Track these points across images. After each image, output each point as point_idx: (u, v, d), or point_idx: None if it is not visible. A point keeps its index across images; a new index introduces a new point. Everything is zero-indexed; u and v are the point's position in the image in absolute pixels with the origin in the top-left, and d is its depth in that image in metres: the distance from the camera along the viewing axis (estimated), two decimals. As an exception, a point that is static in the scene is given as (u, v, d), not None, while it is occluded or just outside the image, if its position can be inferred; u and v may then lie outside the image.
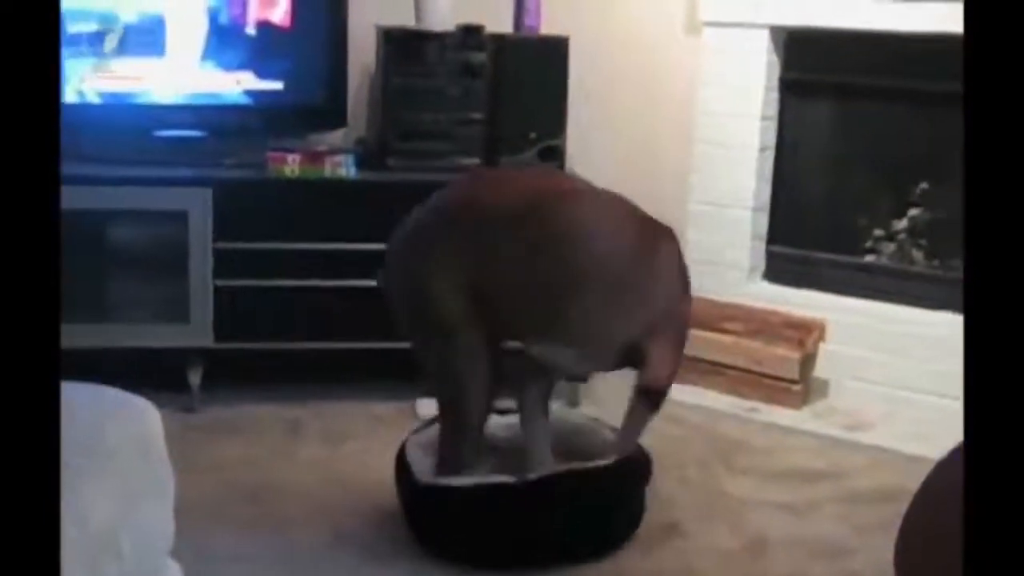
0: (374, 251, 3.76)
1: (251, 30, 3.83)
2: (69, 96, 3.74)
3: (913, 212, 4.12)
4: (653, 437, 3.67)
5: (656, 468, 3.43)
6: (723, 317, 4.12)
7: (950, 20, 3.45)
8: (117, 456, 1.92)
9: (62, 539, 1.62)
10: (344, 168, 3.81)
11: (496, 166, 3.96)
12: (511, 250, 2.79)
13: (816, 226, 4.32)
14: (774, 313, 4.08)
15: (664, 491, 3.32)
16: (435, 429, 3.03)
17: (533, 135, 3.98)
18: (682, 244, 4.24)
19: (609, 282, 2.77)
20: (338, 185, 3.82)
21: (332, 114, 3.97)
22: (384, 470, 3.13)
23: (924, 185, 4.08)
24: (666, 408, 3.89)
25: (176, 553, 2.20)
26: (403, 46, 3.89)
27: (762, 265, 4.32)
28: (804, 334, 4.00)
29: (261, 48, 3.85)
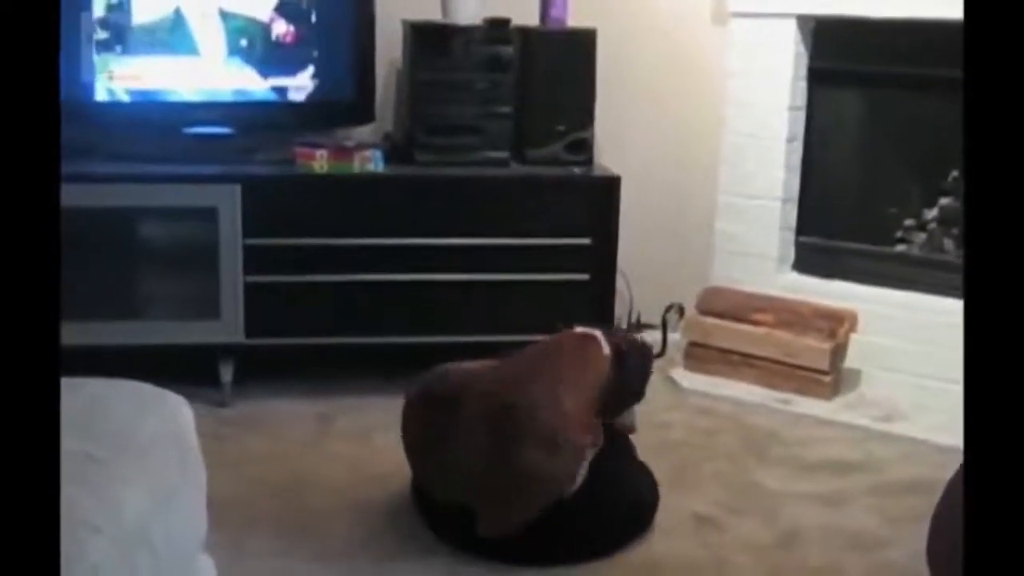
0: (403, 246, 3.79)
1: (278, 26, 3.84)
2: (99, 95, 3.76)
3: (944, 201, 4.09)
4: (685, 429, 3.68)
5: (688, 460, 3.44)
6: (753, 308, 4.10)
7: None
8: (150, 451, 1.94)
9: (96, 534, 1.64)
10: (372, 163, 3.82)
11: (524, 160, 3.96)
12: None
13: (846, 216, 4.29)
14: (805, 304, 4.06)
15: (696, 483, 3.32)
16: None
17: (561, 128, 3.98)
18: (710, 235, 4.28)
19: None
20: (366, 180, 3.82)
21: (360, 109, 3.97)
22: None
23: (955, 174, 4.05)
24: (697, 400, 3.93)
25: (209, 547, 2.21)
26: (430, 40, 3.89)
27: (791, 256, 4.30)
28: (835, 325, 3.98)
29: (288, 44, 3.86)
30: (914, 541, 2.73)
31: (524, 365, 2.97)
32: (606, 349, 2.93)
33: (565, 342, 2.99)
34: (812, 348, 3.96)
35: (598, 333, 2.98)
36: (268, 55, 3.86)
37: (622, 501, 2.97)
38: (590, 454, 2.86)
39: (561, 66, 3.99)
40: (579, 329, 3.01)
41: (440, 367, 3.10)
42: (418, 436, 3.03)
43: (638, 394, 3.02)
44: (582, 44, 3.98)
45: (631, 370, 2.97)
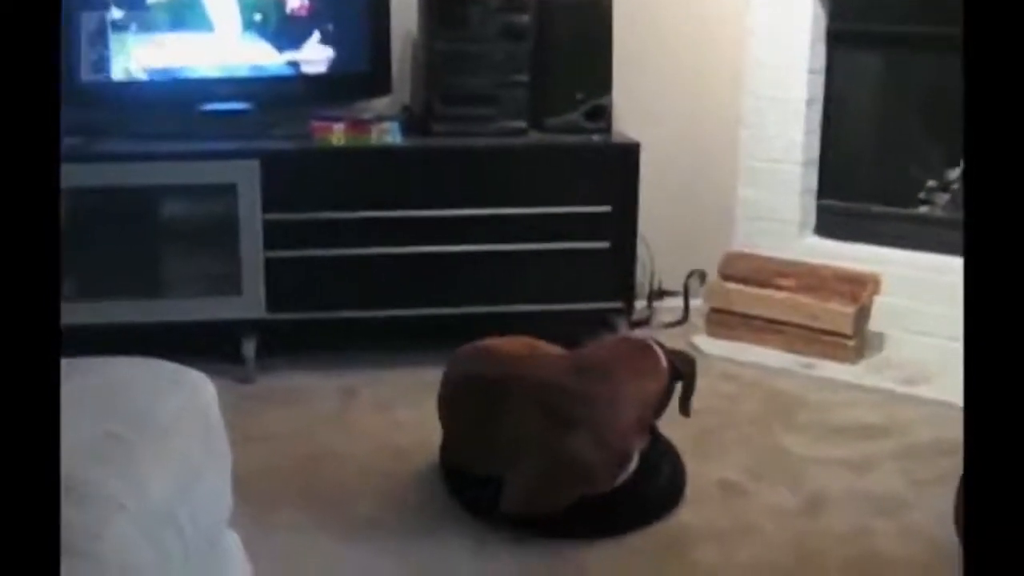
0: (423, 217, 3.78)
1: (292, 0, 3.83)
2: (116, 74, 3.76)
3: (966, 161, 4.06)
4: (709, 396, 3.67)
5: (712, 426, 3.43)
6: (776, 273, 4.09)
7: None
8: (174, 430, 1.94)
9: (122, 514, 1.64)
10: (390, 135, 3.81)
11: (542, 129, 3.95)
12: None
13: (868, 179, 4.27)
14: (827, 268, 4.05)
15: (721, 450, 3.32)
16: None
17: (579, 95, 3.96)
18: (731, 200, 4.26)
19: None
20: (384, 152, 3.82)
21: (376, 81, 3.96)
22: (438, 436, 3.14)
23: (977, 133, 4.01)
24: (721, 366, 3.92)
25: (234, 523, 2.22)
26: (445, 10, 3.87)
27: (813, 220, 4.28)
28: (858, 288, 3.96)
29: (303, 17, 3.85)
30: (940, 504, 2.73)
31: (584, 362, 2.99)
32: (664, 362, 2.96)
33: (626, 350, 3.02)
34: (835, 312, 3.94)
35: (653, 343, 3.02)
36: (283, 29, 3.85)
37: (654, 487, 2.97)
38: (634, 463, 2.89)
39: (578, 33, 3.97)
40: (634, 336, 3.02)
41: (481, 347, 3.10)
42: (462, 413, 3.04)
43: (687, 412, 3.03)
44: (598, 10, 3.95)
45: (683, 389, 3.02)
